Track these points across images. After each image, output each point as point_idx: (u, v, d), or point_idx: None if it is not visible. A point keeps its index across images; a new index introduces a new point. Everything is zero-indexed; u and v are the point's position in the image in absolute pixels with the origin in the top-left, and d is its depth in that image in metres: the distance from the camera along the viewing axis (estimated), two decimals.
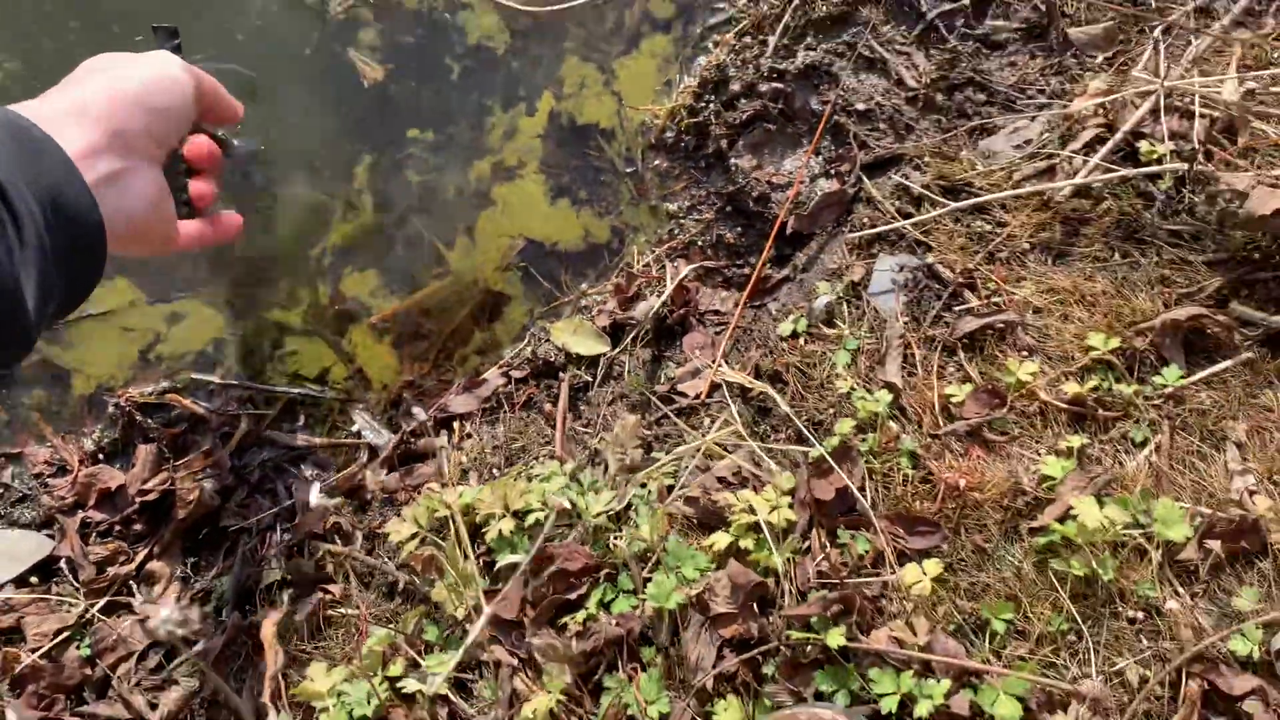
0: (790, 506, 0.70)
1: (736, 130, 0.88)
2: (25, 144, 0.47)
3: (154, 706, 0.76)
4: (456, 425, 0.86)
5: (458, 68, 0.89)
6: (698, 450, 0.74)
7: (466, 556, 0.72)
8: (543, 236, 0.89)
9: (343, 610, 0.78)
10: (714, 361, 0.81)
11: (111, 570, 0.81)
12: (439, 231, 0.88)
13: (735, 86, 0.88)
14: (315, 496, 0.81)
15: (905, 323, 0.77)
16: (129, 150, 0.55)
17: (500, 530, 0.73)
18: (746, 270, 0.87)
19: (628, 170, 0.90)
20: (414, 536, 0.77)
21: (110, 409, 0.85)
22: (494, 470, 0.82)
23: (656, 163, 0.90)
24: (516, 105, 0.89)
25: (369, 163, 0.87)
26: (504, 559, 0.73)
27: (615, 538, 0.73)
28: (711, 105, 0.88)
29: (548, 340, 0.87)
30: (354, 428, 0.87)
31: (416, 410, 0.87)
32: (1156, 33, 0.81)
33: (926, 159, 0.83)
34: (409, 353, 0.88)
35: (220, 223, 0.69)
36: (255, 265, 0.87)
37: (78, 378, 0.86)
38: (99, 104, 0.54)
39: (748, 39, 0.90)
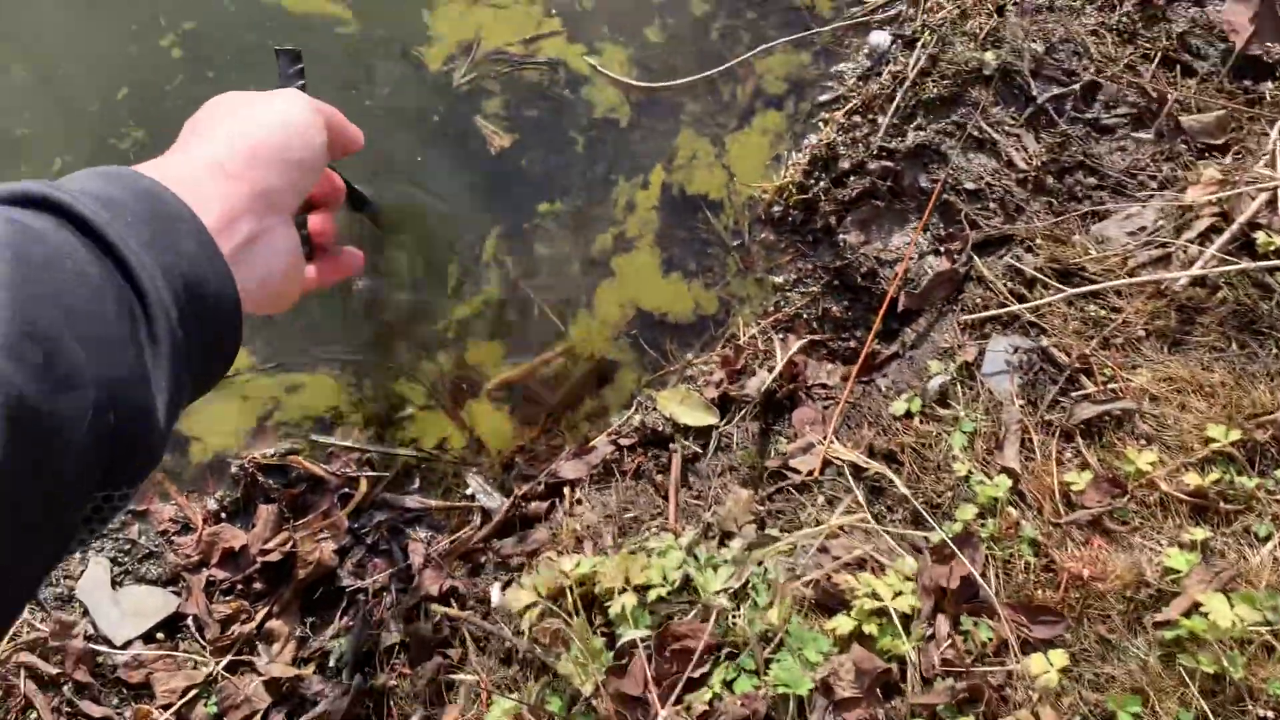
0: (913, 592, 0.71)
1: (845, 206, 0.90)
2: (160, 218, 0.40)
3: None
4: (567, 491, 0.88)
5: (581, 139, 0.91)
6: (822, 534, 0.76)
7: (595, 633, 0.74)
8: (653, 307, 0.91)
9: (462, 676, 0.80)
10: (825, 438, 0.83)
11: (234, 628, 0.84)
12: (559, 301, 0.90)
13: (845, 164, 0.90)
14: (497, 596, 0.82)
15: (1021, 406, 0.79)
16: (270, 209, 0.49)
17: (623, 605, 0.75)
18: (852, 344, 0.89)
19: (734, 243, 0.92)
20: (533, 605, 0.78)
21: (233, 470, 0.87)
22: (607, 539, 0.83)
23: (763, 236, 0.92)
24: (635, 177, 0.91)
25: (496, 233, 0.90)
26: (627, 634, 0.74)
27: (734, 616, 0.75)
28: (821, 182, 0.90)
29: (654, 409, 0.89)
30: (468, 491, 0.89)
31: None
32: (1275, 131, 0.82)
33: (1038, 241, 0.84)
34: (522, 418, 0.90)
35: (341, 261, 0.66)
36: (380, 335, 0.89)
37: (196, 445, 0.88)
38: (238, 159, 0.48)
39: (857, 118, 0.91)
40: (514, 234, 0.90)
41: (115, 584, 0.85)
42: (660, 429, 0.88)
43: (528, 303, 0.90)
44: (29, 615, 0.82)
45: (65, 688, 0.80)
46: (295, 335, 0.89)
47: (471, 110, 0.91)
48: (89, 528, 0.35)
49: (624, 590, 0.76)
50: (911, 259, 0.87)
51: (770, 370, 0.86)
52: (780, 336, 0.89)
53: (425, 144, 0.90)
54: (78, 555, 0.85)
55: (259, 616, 0.85)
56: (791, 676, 0.68)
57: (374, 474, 0.89)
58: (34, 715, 0.79)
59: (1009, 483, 0.74)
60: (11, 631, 0.81)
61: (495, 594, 0.81)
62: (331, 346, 0.89)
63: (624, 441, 0.88)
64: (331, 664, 0.83)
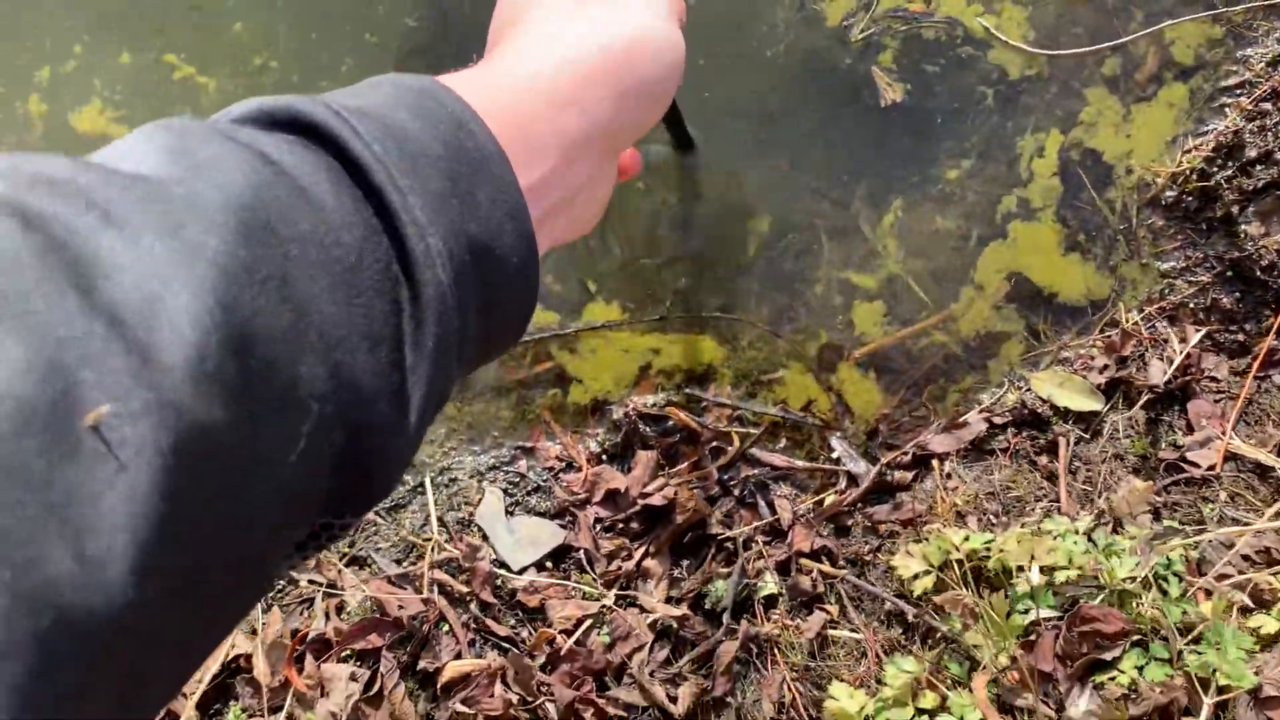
0: None
1: (1248, 196, 0.87)
2: (461, 159, 0.29)
3: (673, 700, 0.83)
4: (935, 464, 0.89)
5: (975, 98, 0.90)
6: (1249, 532, 0.76)
7: (1015, 610, 0.76)
8: (1043, 282, 0.90)
9: (843, 632, 0.84)
10: (1224, 433, 0.82)
11: (615, 564, 0.89)
12: (937, 268, 0.91)
13: (1251, 152, 0.87)
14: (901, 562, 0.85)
15: None
16: (603, 154, 0.37)
17: (1030, 583, 0.77)
18: (1240, 337, 0.87)
19: (1121, 225, 0.90)
20: (925, 573, 0.81)
21: (615, 416, 0.92)
22: (992, 517, 0.85)
23: (1152, 220, 0.90)
24: (1030, 143, 0.90)
25: (880, 192, 0.91)
26: (1034, 611, 0.76)
27: (1139, 604, 0.76)
28: (1225, 169, 0.87)
29: (1027, 389, 0.89)
30: (833, 455, 0.91)
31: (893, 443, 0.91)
32: None
33: None
34: (886, 386, 0.92)
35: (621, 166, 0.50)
36: (755, 295, 0.91)
37: (577, 387, 0.93)
38: (576, 81, 0.34)
39: (1267, 105, 0.88)
40: (893, 191, 0.91)
41: (508, 513, 0.91)
42: (1038, 410, 0.88)
43: (905, 266, 0.91)
44: (439, 536, 0.89)
45: (472, 605, 0.86)
46: (668, 291, 0.92)
47: (866, 64, 0.91)
48: (301, 554, 0.27)
49: (1027, 569, 0.78)
50: None
51: (1168, 360, 0.85)
52: (1175, 326, 0.88)
53: (811, 95, 0.90)
54: (476, 483, 0.91)
55: (637, 555, 0.90)
56: (1235, 670, 0.69)
57: (743, 430, 0.92)
58: (445, 627, 0.86)
59: None
60: (428, 550, 0.88)
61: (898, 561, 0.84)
62: (720, 308, 0.92)
63: (997, 420, 0.89)
64: (707, 606, 0.88)
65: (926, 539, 0.84)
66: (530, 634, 0.86)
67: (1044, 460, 0.87)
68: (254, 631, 0.86)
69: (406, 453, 0.28)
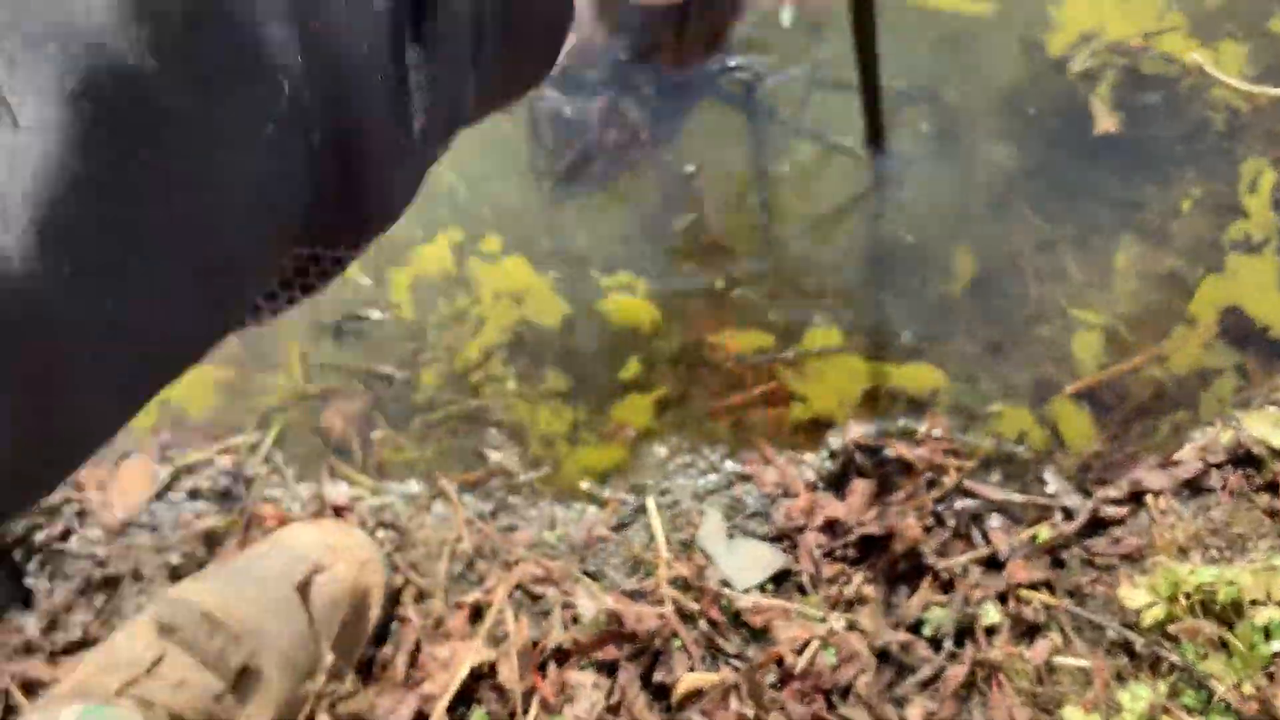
0: None
1: None
2: None
3: None
4: (1150, 499, 0.92)
5: (1189, 132, 0.94)
6: None
7: (1268, 639, 0.78)
8: (1258, 316, 0.93)
9: (1068, 660, 0.86)
10: None
11: (835, 589, 0.93)
12: (1154, 298, 0.94)
13: None
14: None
15: None
16: None
17: (1269, 617, 0.79)
18: None
19: None
20: (1151, 605, 0.84)
21: (833, 444, 0.96)
22: (1215, 552, 0.87)
23: None
24: (1246, 175, 0.93)
25: (1093, 222, 0.94)
26: (1274, 645, 0.78)
27: None
28: None
29: (1241, 427, 0.91)
30: (1048, 489, 0.94)
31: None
32: None
33: None
34: (1099, 421, 0.95)
35: None
36: (977, 327, 0.95)
37: (798, 405, 0.97)
38: None
39: None
40: (1106, 222, 0.94)
41: (729, 535, 0.95)
42: (1252, 449, 0.90)
43: (1118, 298, 0.94)
44: (668, 554, 0.93)
45: (701, 622, 0.90)
46: (902, 321, 0.96)
47: (1082, 94, 0.95)
48: (287, 295, 0.24)
49: (1266, 602, 0.80)
50: None
51: None
52: None
53: (1024, 121, 0.95)
54: (697, 505, 0.96)
55: (856, 581, 0.93)
56: None
57: (958, 462, 0.95)
58: (678, 643, 0.90)
59: None
60: (658, 567, 0.92)
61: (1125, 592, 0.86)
62: (934, 338, 0.96)
63: (1211, 458, 0.92)
64: (926, 633, 0.91)
65: (1149, 572, 0.86)
66: (757, 652, 0.90)
67: (1264, 498, 0.89)
68: (495, 639, 0.91)
69: (409, 167, 0.23)
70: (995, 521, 0.95)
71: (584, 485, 0.98)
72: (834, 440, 0.96)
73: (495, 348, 1.01)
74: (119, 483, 1.01)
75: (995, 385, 0.96)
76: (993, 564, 0.93)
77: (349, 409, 1.01)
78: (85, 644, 0.97)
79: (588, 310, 1.00)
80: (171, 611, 0.89)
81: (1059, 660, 0.87)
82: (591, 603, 0.92)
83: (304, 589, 0.85)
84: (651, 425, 0.98)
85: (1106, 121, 0.93)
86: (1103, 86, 0.93)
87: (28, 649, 0.97)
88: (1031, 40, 0.95)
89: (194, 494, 1.01)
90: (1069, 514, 0.93)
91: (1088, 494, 0.93)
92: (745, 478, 0.97)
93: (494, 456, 0.99)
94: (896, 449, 0.95)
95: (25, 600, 0.99)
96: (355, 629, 0.91)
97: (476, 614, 0.93)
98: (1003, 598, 0.91)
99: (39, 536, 0.98)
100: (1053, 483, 0.94)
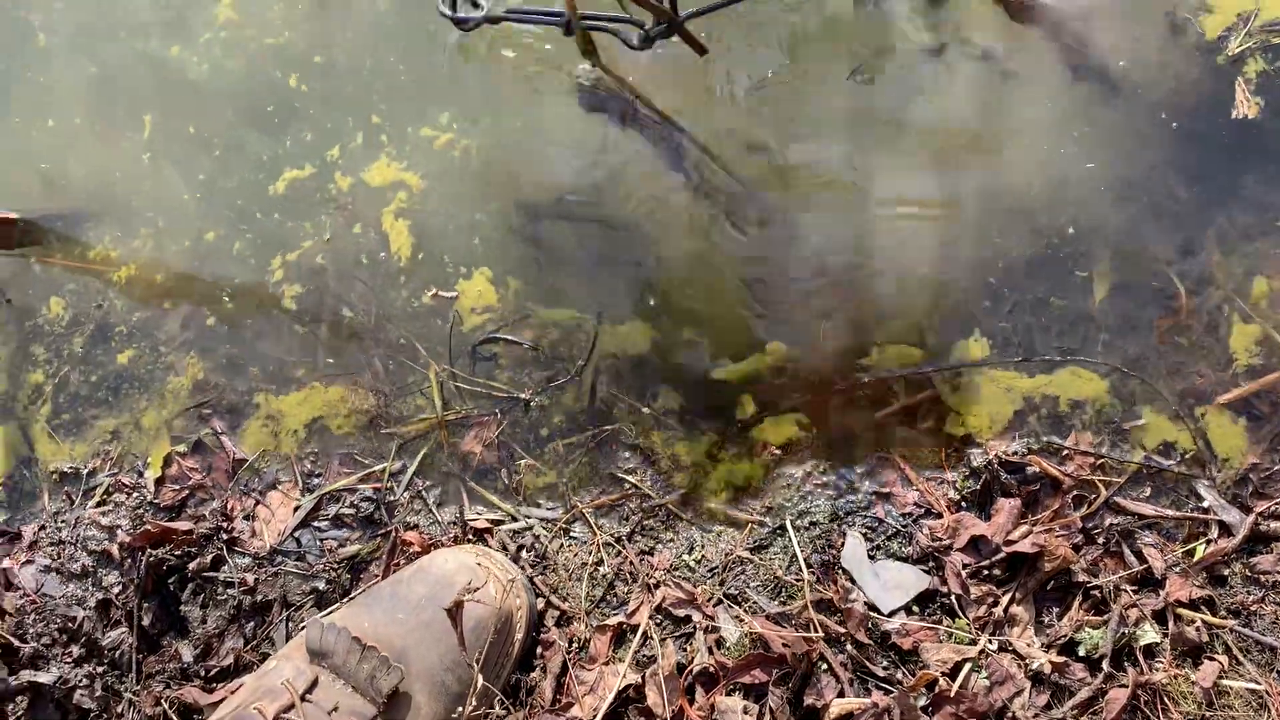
0: None
1: None
2: None
3: None
4: None
5: None
6: None
7: None
8: None
9: (1237, 682, 0.83)
10: None
11: (983, 609, 0.91)
12: None
13: None
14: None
15: None
16: None
17: None
18: None
19: None
20: None
21: (975, 462, 0.94)
22: None
23: None
24: None
25: (1236, 223, 0.92)
26: None
27: None
28: None
29: None
30: (1203, 503, 0.91)
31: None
32: None
33: None
34: (1254, 433, 0.92)
35: None
36: (1129, 340, 0.93)
37: (953, 419, 0.96)
38: None
39: None
40: (1250, 223, 0.92)
41: (871, 557, 0.94)
42: None
43: (1269, 305, 0.91)
44: (810, 576, 0.92)
45: (847, 645, 0.90)
46: (1048, 332, 0.95)
47: (1230, 76, 0.93)
48: None
49: None
50: None
51: None
52: None
53: (1166, 110, 0.93)
54: (836, 526, 0.95)
55: (1004, 601, 0.91)
56: None
57: (1105, 478, 0.93)
58: (824, 666, 0.89)
59: None
60: (800, 590, 0.92)
61: None
62: (1079, 347, 0.94)
63: None
64: (1080, 653, 0.88)
65: None
66: (905, 675, 0.89)
67: None
68: (640, 663, 0.91)
69: None
70: (1148, 538, 0.92)
71: (720, 507, 0.98)
72: (976, 457, 0.95)
73: (628, 370, 1.02)
74: (266, 512, 1.05)
75: (1142, 397, 0.93)
76: (1148, 582, 0.90)
77: (486, 435, 1.03)
78: (237, 670, 1.00)
79: (724, 328, 1.00)
80: (322, 637, 0.91)
81: (1228, 683, 0.84)
82: (735, 626, 0.92)
83: (454, 612, 0.87)
84: (788, 445, 0.98)
85: (1246, 107, 0.90)
86: (1250, 68, 0.91)
87: (183, 675, 1.01)
88: (1183, 22, 0.93)
89: (338, 521, 1.03)
90: (1227, 529, 0.90)
91: (1246, 509, 0.90)
92: (885, 497, 0.96)
93: (630, 480, 1.00)
94: (1041, 465, 0.93)
95: (179, 628, 1.02)
96: (501, 652, 0.92)
97: (619, 637, 0.93)
98: (1160, 617, 0.88)
99: (191, 565, 1.01)
100: (1207, 497, 0.91)
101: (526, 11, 1.01)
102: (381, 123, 1.09)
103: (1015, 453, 0.94)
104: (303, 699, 0.87)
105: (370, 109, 1.10)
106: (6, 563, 1.06)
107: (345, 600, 0.99)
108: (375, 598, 0.93)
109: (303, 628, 0.98)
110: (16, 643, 1.03)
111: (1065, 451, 0.94)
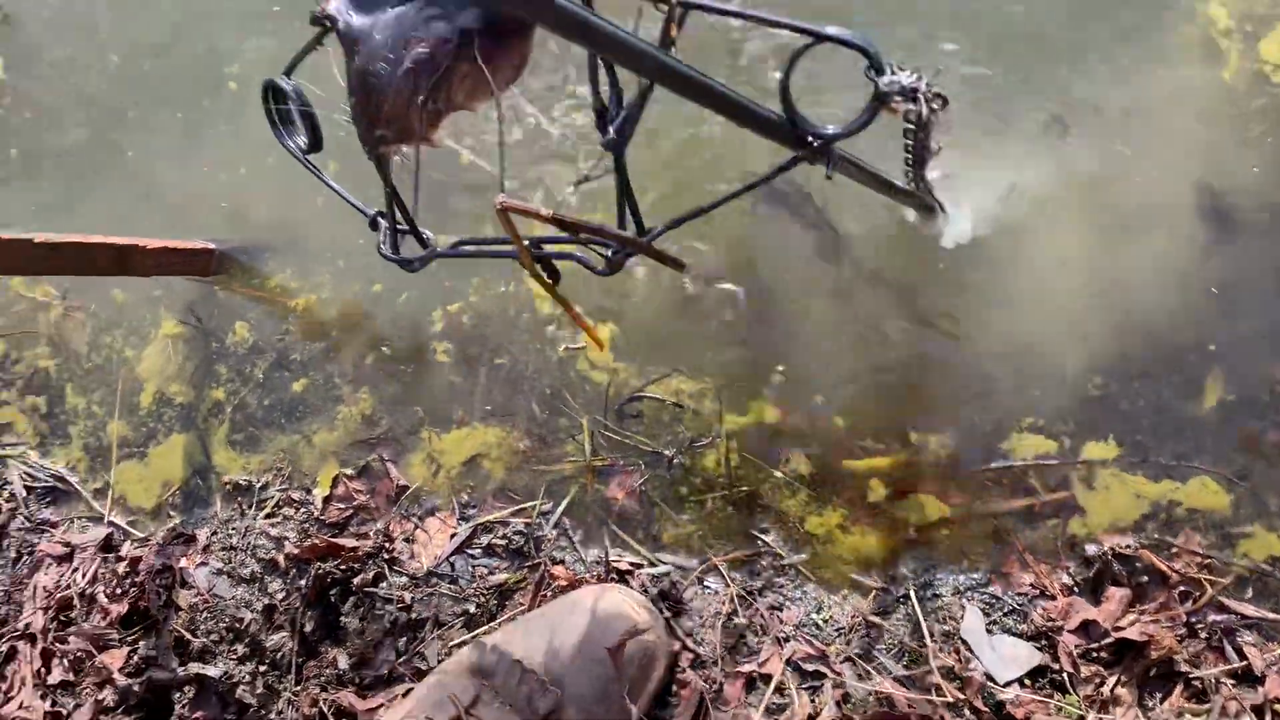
0: None
1: None
2: None
3: None
4: None
5: None
6: None
7: None
8: None
9: None
10: None
11: (1091, 689, 0.98)
12: None
13: None
14: None
15: None
16: None
17: None
18: None
19: None
20: None
21: (1089, 551, 1.02)
22: None
23: None
24: None
25: None
26: None
27: None
28: None
29: None
30: None
31: None
32: None
33: None
34: None
35: None
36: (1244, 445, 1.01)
37: (1076, 520, 1.04)
38: None
39: None
40: None
41: (988, 631, 1.02)
42: None
43: None
44: (932, 644, 1.00)
45: (965, 711, 0.97)
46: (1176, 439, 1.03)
47: None
48: None
49: None
50: None
51: None
52: None
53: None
54: (957, 600, 1.03)
55: (1110, 682, 0.99)
56: None
57: (1212, 577, 1.01)
58: None
59: None
60: (925, 655, 1.00)
61: None
62: (1198, 455, 1.02)
63: None
64: None
65: None
66: None
67: None
68: (770, 709, 0.99)
69: None
70: (1249, 637, 0.99)
71: (848, 572, 1.06)
72: (1090, 547, 1.03)
73: (766, 437, 1.11)
74: (424, 536, 1.14)
75: (1250, 507, 1.01)
76: (1247, 678, 0.98)
77: (629, 483, 1.12)
78: (390, 680, 1.09)
79: (862, 406, 1.09)
80: (486, 656, 1.00)
81: None
82: (861, 684, 1.00)
83: (615, 651, 0.96)
84: (917, 523, 1.06)
85: None
86: None
87: (339, 680, 1.10)
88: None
89: (489, 550, 1.13)
90: None
91: None
92: (1003, 577, 1.04)
93: (763, 539, 1.08)
94: (1152, 560, 1.01)
95: (337, 637, 1.12)
96: (641, 688, 1.01)
97: (751, 684, 1.02)
98: (1259, 711, 0.95)
99: (355, 580, 1.11)
100: None
101: (478, 244, 0.90)
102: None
103: (1128, 546, 1.02)
104: (467, 713, 0.96)
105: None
106: (183, 562, 1.17)
107: (495, 624, 1.08)
108: (534, 625, 1.01)
109: (456, 645, 1.08)
110: (188, 636, 1.13)
111: (1174, 549, 1.02)
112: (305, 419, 1.21)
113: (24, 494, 1.24)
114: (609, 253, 0.77)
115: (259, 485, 1.20)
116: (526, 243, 0.71)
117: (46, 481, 1.25)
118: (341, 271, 1.24)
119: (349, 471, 1.18)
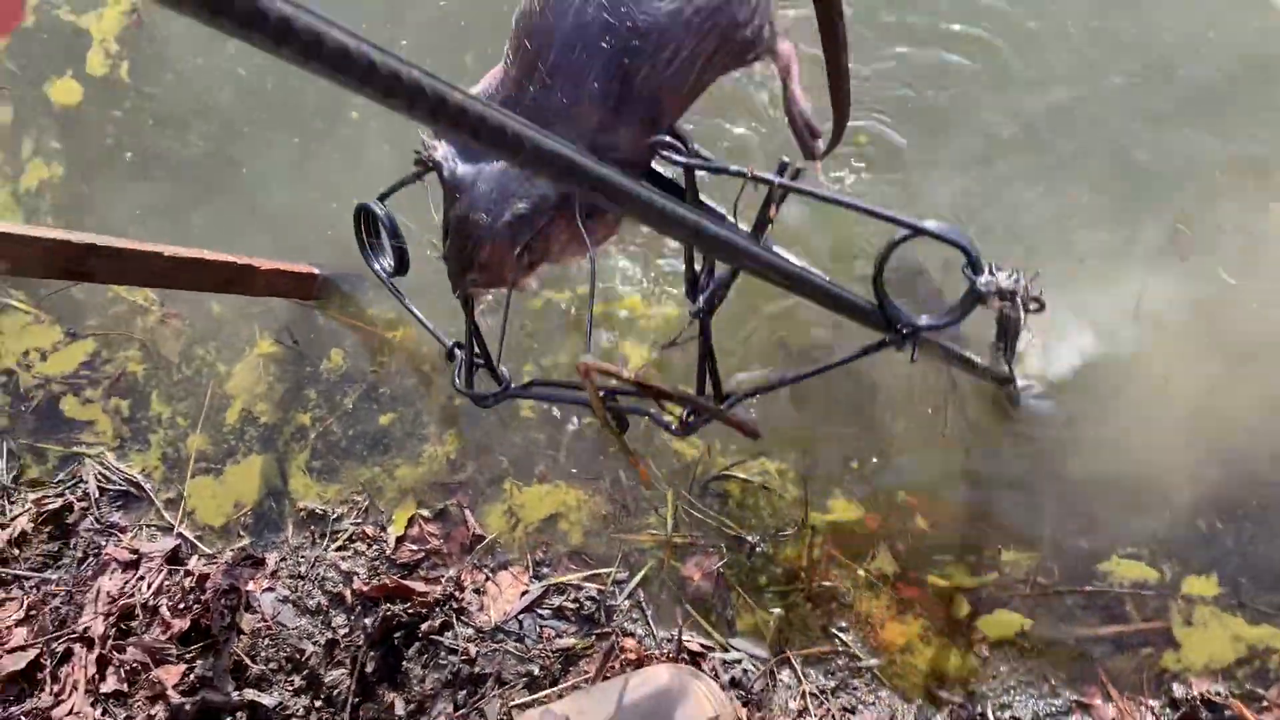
0: None
1: None
2: None
3: None
4: None
5: None
6: None
7: None
8: None
9: None
10: None
11: None
12: None
13: None
14: None
15: None
16: None
17: None
18: None
19: None
20: None
21: (1177, 693, 1.00)
22: None
23: None
24: None
25: None
26: None
27: None
28: None
29: None
30: None
31: None
32: None
33: None
34: None
35: None
36: None
37: (1170, 654, 1.01)
38: None
39: None
40: None
41: None
42: None
43: None
44: None
45: None
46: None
47: None
48: None
49: None
50: None
51: None
52: None
53: None
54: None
55: None
56: None
57: None
58: None
59: None
60: None
61: None
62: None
63: None
64: None
65: None
66: None
67: None
68: None
69: None
70: None
71: (925, 683, 1.04)
72: (1178, 687, 1.00)
73: (853, 538, 1.10)
74: (495, 590, 1.13)
75: None
76: None
77: (708, 565, 1.11)
78: None
79: (958, 517, 1.08)
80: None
81: None
82: None
83: None
84: (1000, 640, 1.05)
85: None
86: None
87: None
88: None
89: (560, 613, 1.12)
90: None
91: None
92: (1085, 708, 1.02)
93: (841, 637, 1.07)
94: (1241, 711, 0.99)
95: (396, 681, 1.10)
96: None
97: None
98: None
99: (423, 626, 1.10)
100: None
101: (551, 386, 0.92)
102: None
103: (1218, 693, 1.00)
104: None
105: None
106: (250, 585, 1.16)
107: (557, 690, 1.06)
108: (601, 696, 1.00)
109: (516, 706, 1.06)
110: (247, 661, 1.12)
111: (1265, 702, 0.99)
112: (388, 454, 1.20)
113: (97, 494, 1.24)
114: (684, 414, 0.78)
115: (333, 516, 1.19)
116: (601, 393, 0.71)
117: (120, 485, 1.25)
118: (439, 312, 1.24)
119: (425, 513, 1.17)
